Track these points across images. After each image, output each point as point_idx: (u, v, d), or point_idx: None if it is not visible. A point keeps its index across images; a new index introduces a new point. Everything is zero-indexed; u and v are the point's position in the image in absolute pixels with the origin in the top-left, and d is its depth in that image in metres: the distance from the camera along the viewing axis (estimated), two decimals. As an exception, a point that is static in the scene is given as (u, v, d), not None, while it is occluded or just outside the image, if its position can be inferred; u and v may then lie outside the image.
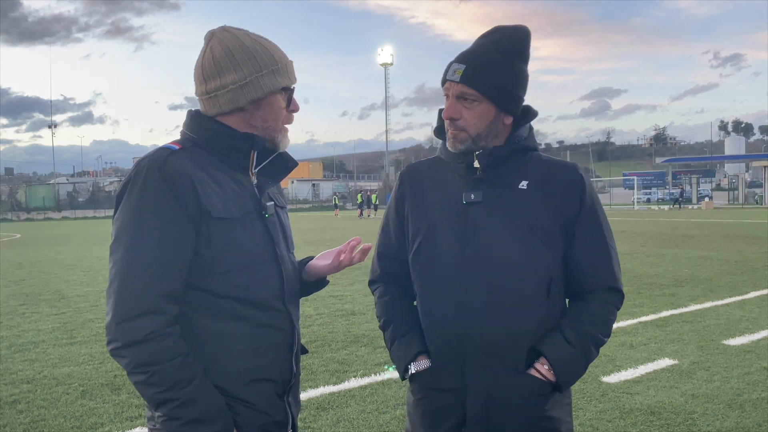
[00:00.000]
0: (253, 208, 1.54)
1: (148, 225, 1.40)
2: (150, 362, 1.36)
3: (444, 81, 1.66)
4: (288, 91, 1.59)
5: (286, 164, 1.66)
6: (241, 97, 1.52)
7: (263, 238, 1.54)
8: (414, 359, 1.71)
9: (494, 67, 1.61)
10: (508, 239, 1.62)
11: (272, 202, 1.62)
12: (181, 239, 1.42)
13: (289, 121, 1.62)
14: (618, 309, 1.72)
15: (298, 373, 1.65)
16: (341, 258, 1.68)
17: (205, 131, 1.54)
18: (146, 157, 1.47)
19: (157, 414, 1.42)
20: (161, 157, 1.45)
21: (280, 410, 1.56)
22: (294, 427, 1.63)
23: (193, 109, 1.60)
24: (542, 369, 1.62)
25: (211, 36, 1.54)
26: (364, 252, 1.70)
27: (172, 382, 1.37)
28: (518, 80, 1.65)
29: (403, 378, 1.75)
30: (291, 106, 1.61)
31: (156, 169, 1.42)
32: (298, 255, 1.78)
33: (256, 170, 1.61)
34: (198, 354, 1.44)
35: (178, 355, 1.39)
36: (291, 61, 1.61)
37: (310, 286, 1.77)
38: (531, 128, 1.75)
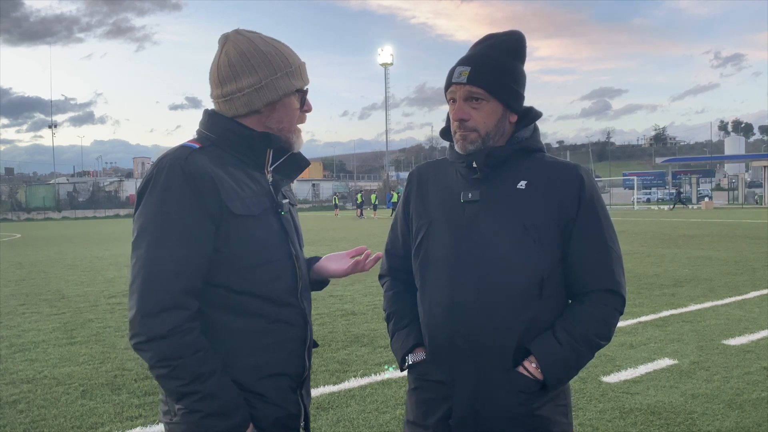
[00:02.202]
0: (270, 206, 1.58)
1: (170, 222, 1.43)
2: (173, 356, 1.40)
3: (448, 86, 1.71)
4: (302, 93, 1.62)
5: (299, 163, 1.69)
6: (257, 100, 1.55)
7: (279, 235, 1.58)
8: (411, 351, 1.76)
9: (498, 67, 1.67)
10: (502, 238, 1.65)
11: (287, 200, 1.65)
12: (202, 236, 1.45)
13: (302, 120, 1.66)
14: (619, 312, 1.70)
15: (309, 367, 1.68)
16: (357, 266, 1.75)
17: (223, 131, 1.56)
18: (167, 156, 1.49)
19: (177, 407, 1.45)
20: (183, 155, 1.48)
21: (294, 403, 1.60)
22: (306, 419, 1.66)
23: (209, 108, 1.61)
24: (530, 367, 1.63)
25: (225, 40, 1.57)
26: (375, 260, 1.78)
27: (194, 376, 1.41)
28: (520, 79, 1.71)
29: (401, 369, 1.80)
30: (305, 107, 1.64)
31: (178, 167, 1.45)
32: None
33: (272, 168, 1.64)
34: (215, 349, 1.47)
35: (199, 350, 1.42)
36: (303, 63, 1.64)
37: (313, 285, 1.81)
38: (536, 129, 1.77)
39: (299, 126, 1.65)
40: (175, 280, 1.41)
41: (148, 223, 1.44)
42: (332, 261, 1.79)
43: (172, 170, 1.45)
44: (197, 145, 1.53)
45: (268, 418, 1.53)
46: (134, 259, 1.45)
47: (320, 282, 1.82)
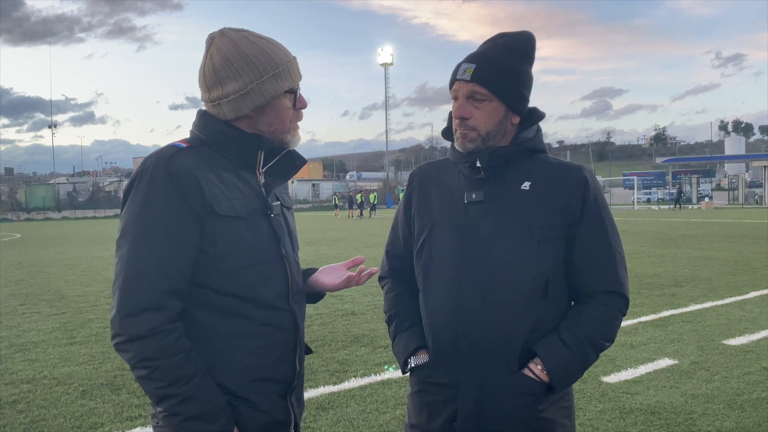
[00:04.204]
0: (259, 208, 1.55)
1: (152, 221, 1.41)
2: (152, 357, 1.38)
3: (453, 82, 1.69)
4: (292, 92, 1.58)
5: (293, 162, 1.65)
6: (243, 105, 1.52)
7: (269, 238, 1.55)
8: (413, 353, 1.74)
9: (503, 67, 1.65)
10: (506, 239, 1.64)
11: (278, 202, 1.62)
12: (186, 236, 1.43)
13: (299, 118, 1.62)
14: (622, 313, 1.70)
15: (301, 373, 1.65)
16: (350, 281, 1.71)
17: (213, 132, 1.55)
18: (153, 155, 1.48)
19: (158, 409, 1.43)
20: (167, 154, 1.47)
21: (282, 410, 1.56)
22: (296, 427, 1.63)
23: (202, 109, 1.60)
24: (535, 369, 1.62)
25: (210, 42, 1.54)
26: (369, 275, 1.73)
27: (173, 379, 1.39)
28: (525, 80, 1.69)
29: (403, 372, 1.78)
30: (298, 104, 1.60)
31: (162, 167, 1.44)
32: (299, 255, 1.78)
33: (264, 170, 1.61)
34: (201, 352, 1.45)
35: (179, 352, 1.40)
36: (294, 58, 1.59)
37: (309, 297, 1.79)
38: (539, 130, 1.77)
39: (297, 123, 1.62)
40: (157, 280, 1.39)
41: (132, 222, 1.43)
42: (327, 274, 1.75)
43: (157, 169, 1.43)
44: (184, 145, 1.51)
45: (254, 425, 1.50)
46: (117, 258, 1.43)
47: (315, 295, 1.79)
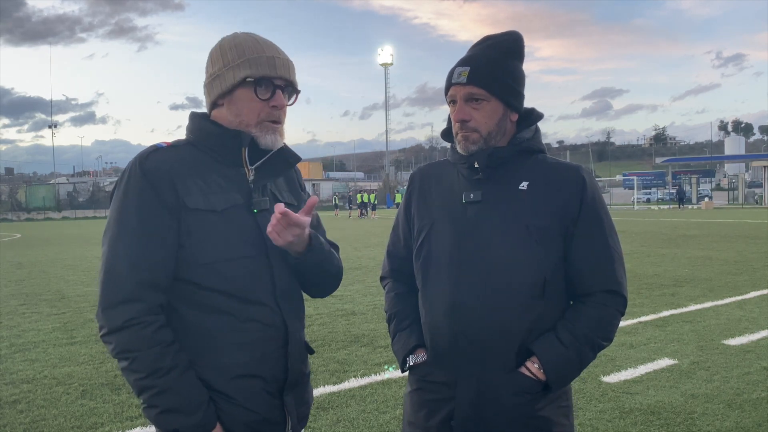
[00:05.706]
0: (243, 203, 1.56)
1: (128, 217, 1.48)
2: (131, 349, 1.43)
3: (448, 87, 1.71)
4: (253, 82, 1.52)
5: (287, 159, 1.64)
6: (212, 91, 1.59)
7: (252, 233, 1.54)
8: (412, 352, 1.76)
9: (497, 66, 1.67)
10: (504, 238, 1.64)
11: (266, 198, 1.60)
12: (161, 230, 1.47)
13: (273, 116, 1.56)
14: (621, 313, 1.70)
15: (303, 372, 1.64)
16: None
17: (198, 130, 1.60)
18: (134, 156, 1.55)
19: (140, 401, 1.46)
20: (144, 154, 1.54)
21: (272, 408, 1.55)
22: (294, 427, 1.61)
23: (193, 110, 1.65)
24: (532, 368, 1.63)
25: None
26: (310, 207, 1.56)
27: (151, 370, 1.42)
28: (519, 77, 1.72)
29: (402, 370, 1.79)
30: (272, 100, 1.54)
31: (137, 165, 1.50)
32: None
33: (254, 167, 1.60)
34: (185, 346, 1.48)
35: (158, 344, 1.43)
36: (273, 56, 1.54)
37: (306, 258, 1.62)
38: (537, 130, 1.78)
39: (273, 122, 1.56)
40: (132, 272, 1.44)
41: (111, 220, 1.50)
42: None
43: (133, 168, 1.50)
44: (165, 144, 1.57)
45: (236, 422, 1.49)
46: (101, 255, 1.51)
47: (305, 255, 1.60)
